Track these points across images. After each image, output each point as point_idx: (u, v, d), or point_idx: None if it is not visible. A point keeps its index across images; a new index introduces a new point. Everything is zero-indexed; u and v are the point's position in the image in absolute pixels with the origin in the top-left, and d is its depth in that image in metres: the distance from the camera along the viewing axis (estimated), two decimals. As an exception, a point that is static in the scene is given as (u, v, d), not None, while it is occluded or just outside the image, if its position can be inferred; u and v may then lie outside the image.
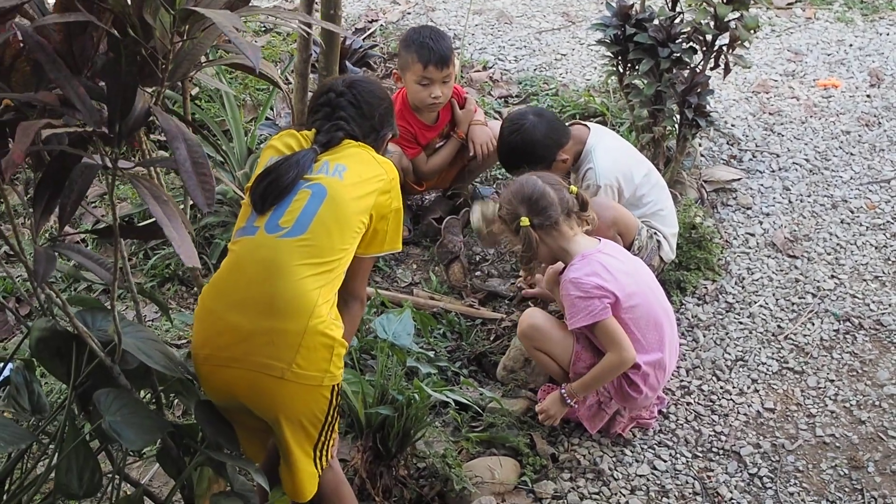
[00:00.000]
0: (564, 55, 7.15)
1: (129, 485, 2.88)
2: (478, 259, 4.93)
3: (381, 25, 7.53)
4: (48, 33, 2.05)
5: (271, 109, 5.36)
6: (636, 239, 4.15)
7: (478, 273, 4.81)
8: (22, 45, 2.05)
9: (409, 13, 7.87)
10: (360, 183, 2.84)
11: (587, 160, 4.34)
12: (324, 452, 2.81)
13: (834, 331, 4.39)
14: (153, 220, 2.04)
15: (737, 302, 4.60)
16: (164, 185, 2.44)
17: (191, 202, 2.64)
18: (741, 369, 4.19)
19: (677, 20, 4.90)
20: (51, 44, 2.05)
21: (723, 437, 3.85)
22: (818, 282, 4.71)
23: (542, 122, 4.30)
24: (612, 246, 3.79)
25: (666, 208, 4.43)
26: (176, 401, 3.54)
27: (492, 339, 4.35)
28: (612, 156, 4.34)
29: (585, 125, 4.47)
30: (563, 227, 3.67)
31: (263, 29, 7.26)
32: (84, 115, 1.95)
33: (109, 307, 2.36)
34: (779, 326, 4.43)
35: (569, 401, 3.71)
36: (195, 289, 3.33)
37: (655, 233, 4.32)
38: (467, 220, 5.03)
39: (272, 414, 2.70)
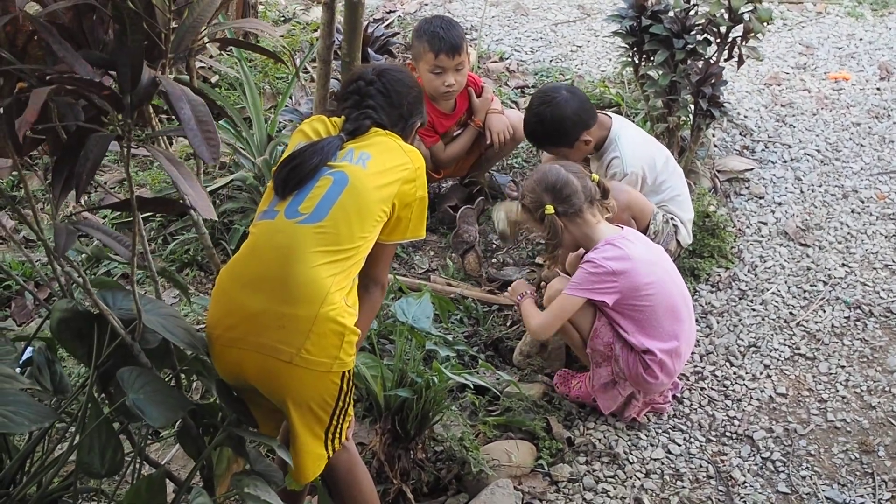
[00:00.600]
0: (580, 47, 7.19)
1: (149, 466, 2.89)
2: (493, 248, 4.97)
3: (399, 16, 7.55)
4: (58, 14, 2.10)
5: (290, 98, 5.39)
6: (651, 223, 4.17)
7: (493, 261, 4.85)
8: (32, 29, 2.09)
9: (426, 4, 7.90)
10: (384, 172, 2.83)
11: (612, 149, 4.36)
12: (336, 436, 2.80)
13: (845, 318, 4.43)
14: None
15: (749, 289, 4.63)
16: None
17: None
18: (754, 355, 4.23)
19: (692, 12, 4.93)
20: (61, 24, 2.10)
21: (736, 422, 3.89)
22: (829, 270, 4.75)
23: (574, 99, 4.31)
24: (634, 233, 3.82)
25: (683, 194, 4.46)
26: (195, 384, 3.56)
27: (508, 324, 4.38)
28: (636, 145, 4.37)
29: (608, 115, 4.48)
30: (586, 215, 3.70)
31: (282, 18, 7.29)
32: (94, 87, 1.99)
33: (129, 288, 2.37)
34: (791, 313, 4.47)
35: (526, 290, 3.93)
36: (213, 274, 3.35)
37: (672, 218, 4.35)
38: (482, 209, 5.06)
39: (279, 396, 2.70)
